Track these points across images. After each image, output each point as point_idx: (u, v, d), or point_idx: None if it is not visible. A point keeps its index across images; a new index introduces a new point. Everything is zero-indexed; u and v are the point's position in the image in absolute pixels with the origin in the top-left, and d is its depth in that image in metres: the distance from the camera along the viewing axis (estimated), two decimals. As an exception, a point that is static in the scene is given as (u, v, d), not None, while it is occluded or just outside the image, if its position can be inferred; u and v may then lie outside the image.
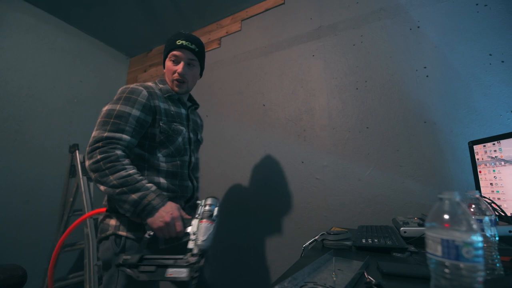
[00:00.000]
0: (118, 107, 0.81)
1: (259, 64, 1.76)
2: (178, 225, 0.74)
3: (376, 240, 0.77)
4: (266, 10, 1.82)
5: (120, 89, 0.88)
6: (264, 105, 1.68)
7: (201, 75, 1.06)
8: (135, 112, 0.83)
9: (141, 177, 0.77)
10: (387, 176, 1.22)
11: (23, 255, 1.68)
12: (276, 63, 1.69)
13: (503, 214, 0.72)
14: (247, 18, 1.91)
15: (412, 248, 0.72)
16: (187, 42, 0.93)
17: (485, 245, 0.48)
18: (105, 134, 0.77)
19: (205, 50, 2.07)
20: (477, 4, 1.15)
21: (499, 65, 1.07)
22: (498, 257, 0.48)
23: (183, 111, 0.99)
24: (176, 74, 0.93)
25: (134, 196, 0.72)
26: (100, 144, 0.76)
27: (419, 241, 0.76)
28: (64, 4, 1.94)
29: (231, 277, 1.54)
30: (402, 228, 0.82)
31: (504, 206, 0.75)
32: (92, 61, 2.32)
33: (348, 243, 0.78)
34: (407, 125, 1.22)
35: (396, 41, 1.32)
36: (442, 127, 1.14)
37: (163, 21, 2.13)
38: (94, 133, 0.79)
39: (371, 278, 0.50)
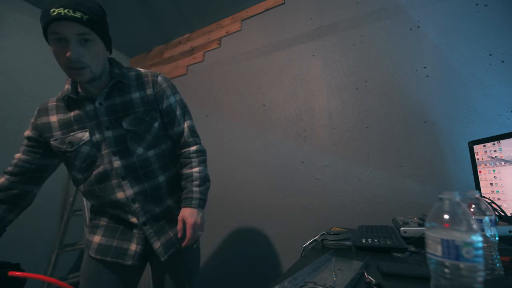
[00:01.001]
0: None
1: (259, 64, 1.76)
2: None
3: (376, 240, 0.77)
4: (266, 10, 1.82)
5: None
6: (264, 105, 1.68)
7: (110, 50, 0.78)
8: (29, 133, 0.80)
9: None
10: (387, 176, 1.22)
11: (23, 255, 1.68)
12: (276, 63, 1.69)
13: (503, 214, 0.72)
14: (247, 18, 1.91)
15: (412, 248, 0.72)
16: (66, 10, 0.62)
17: (485, 245, 0.48)
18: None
19: (206, 50, 2.09)
20: (477, 4, 1.15)
21: (499, 65, 1.07)
22: (498, 257, 0.48)
23: (88, 108, 0.76)
24: (66, 61, 0.66)
25: None
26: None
27: (419, 241, 0.76)
28: (64, 4, 1.94)
29: (231, 277, 1.54)
30: (402, 228, 0.82)
31: (504, 206, 0.75)
32: (92, 61, 2.32)
33: (348, 243, 0.78)
34: (407, 125, 1.22)
35: (396, 41, 1.32)
36: (442, 127, 1.14)
37: (163, 21, 2.13)
38: None
39: (371, 278, 0.50)
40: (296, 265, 0.66)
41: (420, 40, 1.25)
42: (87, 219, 1.45)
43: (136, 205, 0.77)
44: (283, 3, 1.75)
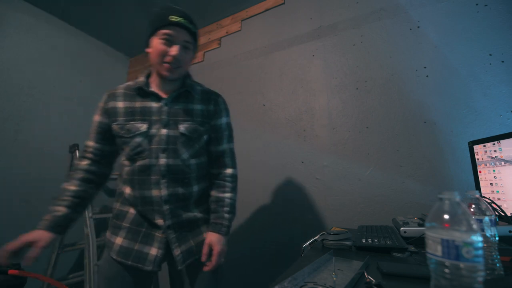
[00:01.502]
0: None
1: (259, 64, 1.76)
2: (34, 251, 0.69)
3: (376, 240, 0.77)
4: (266, 10, 1.82)
5: None
6: (264, 105, 1.68)
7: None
8: (96, 117, 0.86)
9: (67, 196, 0.82)
10: (387, 176, 1.22)
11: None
12: (276, 63, 1.69)
13: (503, 214, 0.72)
14: (247, 18, 1.91)
15: (412, 248, 0.72)
16: (184, 20, 0.80)
17: (485, 245, 0.48)
18: (86, 142, 0.87)
19: (206, 50, 2.09)
20: (477, 4, 1.15)
21: (499, 65, 1.07)
22: (498, 257, 0.48)
23: (153, 104, 0.82)
24: (170, 57, 0.77)
25: (50, 208, 0.80)
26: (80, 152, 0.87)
27: (419, 241, 0.76)
28: (64, 4, 1.94)
29: (230, 277, 1.54)
30: (402, 228, 0.82)
31: (504, 206, 0.75)
32: (92, 61, 2.32)
33: (348, 243, 0.78)
34: (407, 125, 1.22)
35: (396, 41, 1.32)
36: (442, 127, 1.14)
37: (163, 21, 2.13)
38: None
39: (371, 278, 0.50)
40: (296, 265, 0.66)
41: (420, 40, 1.25)
42: (87, 219, 1.45)
43: (167, 207, 0.79)
44: (283, 3, 1.75)
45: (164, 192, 0.78)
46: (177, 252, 0.79)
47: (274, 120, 1.61)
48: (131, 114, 0.81)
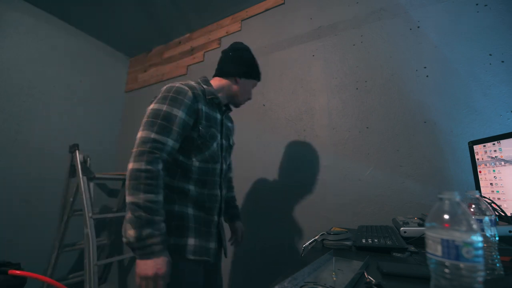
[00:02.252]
0: (165, 107, 0.78)
1: (259, 64, 1.76)
2: (159, 285, 0.68)
3: (376, 240, 0.77)
4: (266, 10, 1.82)
5: (165, 87, 0.84)
6: (264, 105, 1.68)
7: None
8: (181, 114, 0.80)
9: (161, 210, 0.73)
10: (387, 176, 1.22)
11: (23, 255, 1.68)
12: (276, 63, 1.69)
13: (503, 214, 0.72)
14: (247, 18, 1.91)
15: (412, 248, 0.72)
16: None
17: (485, 245, 0.48)
18: (152, 136, 0.75)
19: (206, 50, 2.09)
20: (477, 4, 1.15)
21: (499, 65, 1.07)
22: (498, 257, 0.48)
23: (218, 116, 0.95)
24: (249, 98, 1.07)
25: (146, 229, 0.68)
26: (147, 147, 0.74)
27: (419, 241, 0.76)
28: (64, 4, 1.94)
29: (231, 276, 1.54)
30: (402, 228, 0.82)
31: (504, 206, 0.75)
32: (92, 61, 2.32)
33: (348, 243, 0.78)
34: (407, 125, 1.22)
35: (396, 41, 1.32)
36: (442, 127, 1.14)
37: (163, 21, 2.13)
38: (141, 133, 0.76)
39: (371, 278, 0.50)
40: (296, 265, 0.66)
41: (420, 40, 1.25)
42: (87, 219, 1.45)
43: (221, 205, 0.94)
44: (283, 3, 1.75)
45: (222, 192, 0.95)
46: (224, 242, 0.97)
47: (274, 120, 1.61)
48: (210, 119, 0.90)
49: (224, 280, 1.56)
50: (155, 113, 0.78)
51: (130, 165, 0.73)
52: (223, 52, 1.09)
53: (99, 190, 2.20)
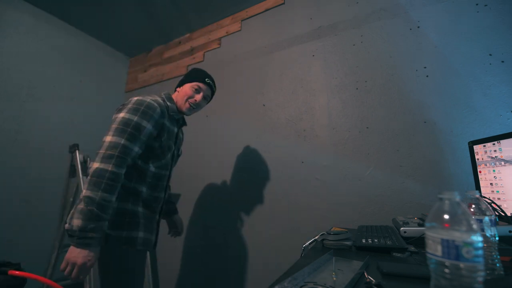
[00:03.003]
0: (135, 118, 0.89)
1: (259, 64, 1.76)
2: (83, 274, 0.78)
3: (376, 240, 0.77)
4: (266, 10, 1.82)
5: (136, 99, 0.94)
6: (264, 105, 1.68)
7: None
8: (149, 126, 0.92)
9: (111, 210, 0.82)
10: (387, 176, 1.22)
11: (23, 255, 1.68)
12: (276, 63, 1.69)
13: (503, 214, 0.72)
14: (247, 18, 1.91)
15: (412, 248, 0.72)
16: (212, 83, 1.15)
17: (485, 245, 0.48)
18: (122, 142, 0.84)
19: (206, 50, 2.09)
20: (477, 4, 1.15)
21: (499, 65, 1.07)
22: (498, 257, 0.48)
23: (175, 129, 1.09)
24: (193, 100, 1.08)
25: (92, 223, 0.76)
26: (117, 152, 0.83)
27: (419, 241, 0.76)
28: (64, 4, 1.94)
29: (230, 277, 1.54)
30: (402, 228, 0.82)
31: (504, 206, 0.75)
32: (92, 61, 2.32)
33: (348, 243, 0.78)
34: (407, 125, 1.22)
35: (396, 41, 1.32)
36: (442, 127, 1.14)
37: (163, 21, 2.13)
38: (110, 138, 0.84)
39: (371, 278, 0.50)
40: (296, 265, 0.66)
41: (420, 40, 1.25)
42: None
43: (162, 205, 1.07)
44: (283, 3, 1.75)
45: (165, 195, 1.08)
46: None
47: (274, 120, 1.61)
48: (169, 133, 1.02)
49: (224, 280, 1.56)
50: (126, 122, 0.87)
51: (96, 165, 0.80)
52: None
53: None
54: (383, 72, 1.32)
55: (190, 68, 2.15)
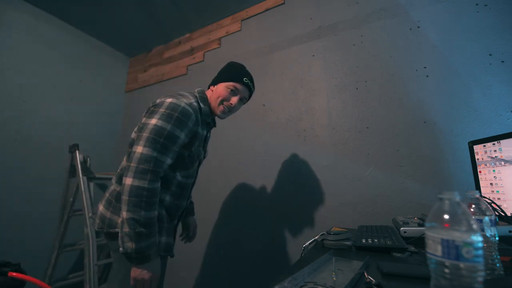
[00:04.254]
0: (169, 127, 0.80)
1: (259, 64, 1.76)
2: (154, 285, 0.77)
3: (376, 240, 0.77)
4: (266, 10, 1.82)
5: (169, 103, 0.83)
6: (264, 105, 1.68)
7: None
8: (182, 136, 0.84)
9: (157, 223, 0.79)
10: (387, 176, 1.22)
11: (23, 255, 1.68)
12: (276, 63, 1.69)
13: (503, 214, 0.72)
14: (247, 18, 1.91)
15: (412, 248, 0.72)
16: (251, 83, 1.01)
17: (485, 245, 0.48)
18: (155, 154, 0.77)
19: (206, 50, 2.09)
20: (477, 4, 1.15)
21: (499, 65, 1.07)
22: (498, 257, 0.48)
23: (205, 132, 0.99)
24: (229, 103, 0.97)
25: (144, 242, 0.73)
26: (151, 166, 0.76)
27: (419, 241, 0.76)
28: (64, 4, 1.94)
29: (230, 277, 1.54)
30: (402, 228, 0.82)
31: (504, 206, 0.75)
32: (92, 61, 2.32)
33: (348, 243, 0.78)
34: (407, 125, 1.22)
35: (396, 41, 1.32)
36: (442, 127, 1.14)
37: (163, 21, 2.13)
38: (142, 149, 0.76)
39: (371, 278, 0.50)
40: (296, 265, 0.66)
41: (420, 40, 1.25)
42: (87, 219, 1.45)
43: (183, 212, 1.01)
44: (283, 3, 1.75)
45: (188, 202, 1.02)
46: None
47: (274, 120, 1.61)
48: (200, 140, 0.94)
49: (225, 279, 1.56)
50: (159, 131, 0.79)
51: (130, 181, 0.73)
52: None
53: (99, 190, 2.20)
54: (383, 72, 1.32)
55: (190, 68, 2.15)
